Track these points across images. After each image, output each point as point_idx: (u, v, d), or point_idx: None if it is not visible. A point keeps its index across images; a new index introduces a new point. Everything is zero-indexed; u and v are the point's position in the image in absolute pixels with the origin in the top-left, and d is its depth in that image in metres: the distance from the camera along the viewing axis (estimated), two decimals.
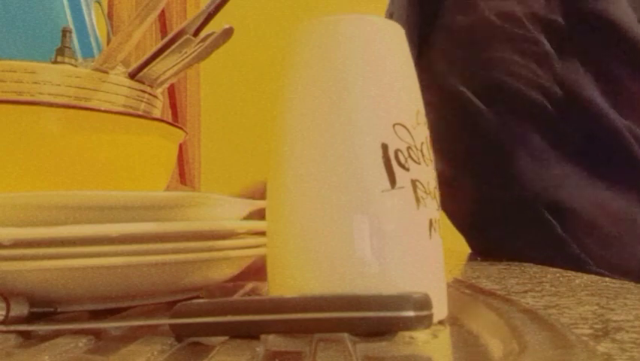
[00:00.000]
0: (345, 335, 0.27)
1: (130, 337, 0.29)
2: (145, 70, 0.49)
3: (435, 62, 0.76)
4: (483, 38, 0.72)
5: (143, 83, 0.51)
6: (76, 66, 0.49)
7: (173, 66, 0.50)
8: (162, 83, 0.53)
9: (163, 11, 1.43)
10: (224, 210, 0.40)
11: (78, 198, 0.34)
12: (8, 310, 0.31)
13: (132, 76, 0.50)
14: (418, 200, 0.30)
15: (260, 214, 0.38)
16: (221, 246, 0.37)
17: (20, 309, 0.31)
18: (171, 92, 1.60)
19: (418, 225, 0.30)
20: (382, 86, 0.31)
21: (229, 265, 0.40)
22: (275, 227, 0.31)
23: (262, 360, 0.25)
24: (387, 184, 0.29)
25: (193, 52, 0.49)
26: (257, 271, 0.47)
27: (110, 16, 1.21)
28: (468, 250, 0.90)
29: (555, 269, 0.52)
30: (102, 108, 0.47)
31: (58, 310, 0.35)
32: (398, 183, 0.29)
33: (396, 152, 0.29)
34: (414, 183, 0.30)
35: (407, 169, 0.30)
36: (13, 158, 0.44)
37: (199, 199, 0.38)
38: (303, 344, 0.27)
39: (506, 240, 0.84)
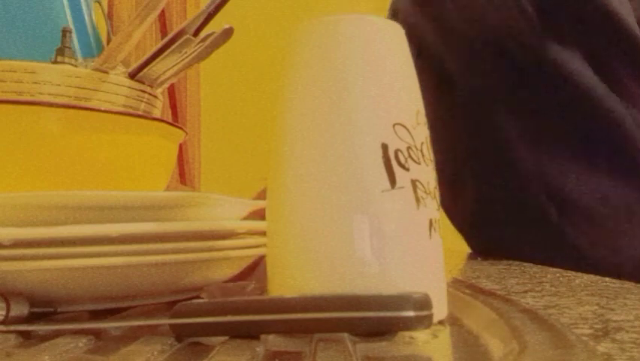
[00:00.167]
0: (345, 335, 0.27)
1: (130, 337, 0.29)
2: (145, 70, 0.49)
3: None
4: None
5: (143, 83, 0.51)
6: (76, 66, 0.49)
7: (173, 66, 0.50)
8: (162, 83, 0.53)
9: (163, 11, 1.43)
10: (224, 210, 0.40)
11: (78, 198, 0.34)
12: (8, 310, 0.31)
13: (132, 76, 0.50)
14: (418, 200, 0.30)
15: (260, 214, 0.38)
16: (221, 246, 0.37)
17: (20, 309, 0.31)
18: (171, 92, 1.60)
19: (418, 225, 0.30)
20: (382, 86, 0.31)
21: (229, 265, 0.40)
22: (275, 227, 0.31)
23: (262, 360, 0.25)
24: (387, 184, 0.29)
25: (193, 52, 0.49)
26: (257, 271, 0.47)
27: (110, 16, 1.21)
28: (468, 250, 0.90)
29: (555, 269, 0.52)
30: (102, 108, 0.47)
31: (58, 310, 0.35)
32: (398, 183, 0.29)
33: (396, 152, 0.29)
34: (414, 183, 0.30)
35: (407, 169, 0.30)
36: (13, 158, 0.44)
37: (199, 199, 0.38)
38: (303, 344, 0.27)
39: (506, 240, 0.84)
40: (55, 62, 0.49)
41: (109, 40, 0.70)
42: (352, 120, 0.30)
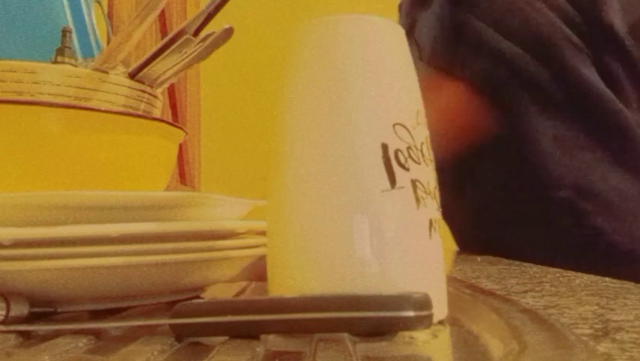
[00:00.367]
0: (345, 335, 0.27)
1: (130, 337, 0.29)
2: (145, 70, 0.49)
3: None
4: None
5: (143, 83, 0.51)
6: (76, 66, 0.49)
7: (173, 66, 0.50)
8: (162, 83, 0.53)
9: (163, 11, 1.43)
10: (224, 210, 0.40)
11: (78, 198, 0.34)
12: (8, 310, 0.31)
13: (132, 76, 0.50)
14: (418, 200, 0.30)
15: None
16: (221, 246, 0.37)
17: (20, 309, 0.31)
18: (171, 92, 1.60)
19: (418, 225, 0.30)
20: (382, 86, 0.31)
21: (229, 265, 0.40)
22: (275, 227, 0.31)
23: (262, 360, 0.25)
24: (387, 184, 0.29)
25: (193, 52, 0.49)
26: (257, 271, 0.47)
27: (110, 16, 1.21)
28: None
29: (555, 269, 0.52)
30: (102, 108, 0.47)
31: (58, 310, 0.35)
32: (398, 183, 0.29)
33: (396, 152, 0.29)
34: (414, 183, 0.30)
35: (407, 169, 0.30)
36: (13, 158, 0.44)
37: (199, 199, 0.38)
38: (303, 344, 0.27)
39: (506, 240, 0.85)
40: (55, 62, 0.49)
41: (109, 40, 0.70)
42: (352, 120, 0.30)
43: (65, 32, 0.51)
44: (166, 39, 0.47)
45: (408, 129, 0.30)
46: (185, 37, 0.47)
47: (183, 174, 1.60)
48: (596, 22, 0.78)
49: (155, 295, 0.38)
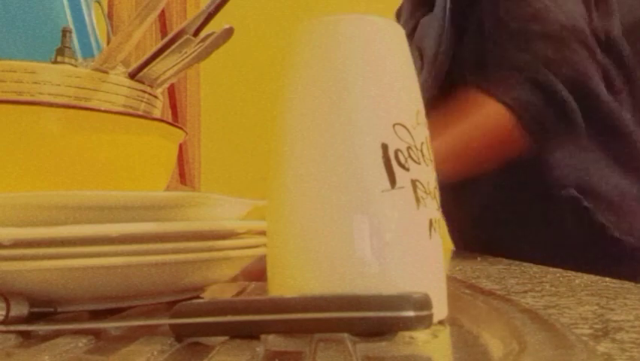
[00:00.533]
0: (345, 335, 0.27)
1: (130, 337, 0.29)
2: (145, 70, 0.49)
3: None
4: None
5: (143, 83, 0.51)
6: (76, 66, 0.49)
7: (173, 66, 0.50)
8: (162, 83, 0.53)
9: (163, 11, 1.43)
10: (224, 210, 0.40)
11: (78, 198, 0.34)
12: (8, 310, 0.31)
13: (132, 76, 0.50)
14: (418, 200, 0.30)
15: None
16: (221, 246, 0.37)
17: (20, 309, 0.31)
18: (171, 92, 1.60)
19: (418, 225, 0.30)
20: (382, 86, 0.31)
21: (229, 265, 0.40)
22: (275, 227, 0.31)
23: (262, 360, 0.25)
24: (387, 184, 0.29)
25: (193, 52, 0.49)
26: (257, 271, 0.47)
27: (110, 16, 1.21)
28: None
29: (555, 269, 0.52)
30: (102, 108, 0.47)
31: (58, 310, 0.35)
32: (398, 183, 0.29)
33: (396, 152, 0.29)
34: (414, 183, 0.30)
35: (407, 169, 0.30)
36: (13, 158, 0.44)
37: (199, 199, 0.38)
38: (303, 344, 0.27)
39: (506, 240, 0.85)
40: (55, 62, 0.49)
41: (109, 40, 0.70)
42: (352, 120, 0.30)
43: (65, 32, 0.51)
44: (166, 39, 0.47)
45: (408, 129, 0.30)
46: (185, 37, 0.47)
47: (183, 174, 1.60)
48: (604, 35, 0.82)
49: (155, 295, 0.38)
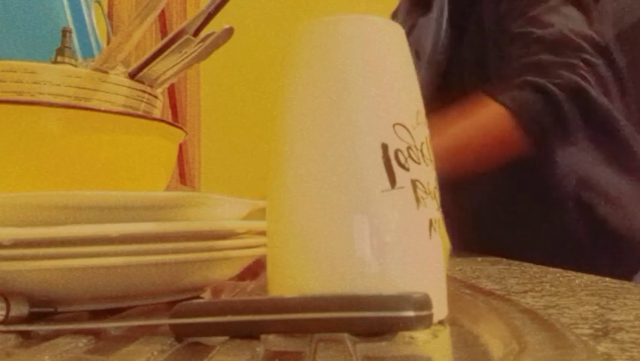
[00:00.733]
0: (345, 335, 0.27)
1: (130, 337, 0.29)
2: (145, 70, 0.49)
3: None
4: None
5: (143, 83, 0.51)
6: (76, 66, 0.49)
7: (173, 66, 0.50)
8: (162, 83, 0.53)
9: (163, 11, 1.43)
10: (224, 210, 0.40)
11: (78, 198, 0.34)
12: (8, 310, 0.31)
13: (132, 76, 0.50)
14: (418, 200, 0.30)
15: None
16: (221, 246, 0.37)
17: (20, 309, 0.31)
18: (171, 92, 1.60)
19: (418, 225, 0.30)
20: (382, 86, 0.31)
21: (229, 265, 0.40)
22: (275, 227, 0.31)
23: (262, 360, 0.25)
24: (387, 184, 0.29)
25: (193, 52, 0.49)
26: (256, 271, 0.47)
27: (110, 16, 1.21)
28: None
29: (555, 269, 0.52)
30: (102, 108, 0.47)
31: (58, 310, 0.35)
32: (398, 183, 0.29)
33: (396, 152, 0.29)
34: (414, 183, 0.30)
35: (407, 169, 0.30)
36: (13, 158, 0.44)
37: (199, 199, 0.38)
38: (303, 344, 0.27)
39: (506, 240, 0.85)
40: (55, 62, 0.49)
41: (109, 40, 0.70)
42: (352, 120, 0.30)
43: (65, 32, 0.51)
44: (166, 39, 0.47)
45: (408, 129, 0.30)
46: (185, 37, 0.47)
47: (183, 174, 1.60)
48: (597, 39, 0.85)
49: (155, 295, 0.38)
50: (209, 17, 0.48)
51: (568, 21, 0.83)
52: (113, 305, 0.37)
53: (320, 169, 0.29)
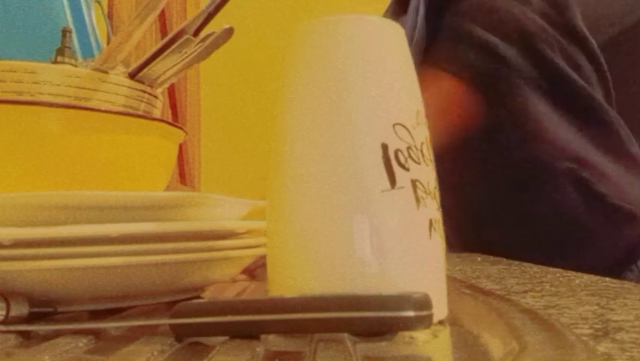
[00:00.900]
0: (345, 335, 0.27)
1: (130, 337, 0.29)
2: (145, 70, 0.49)
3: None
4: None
5: (143, 83, 0.51)
6: (76, 66, 0.49)
7: (173, 66, 0.50)
8: (162, 83, 0.53)
9: (163, 11, 1.43)
10: (224, 210, 0.40)
11: (78, 198, 0.34)
12: (8, 310, 0.31)
13: (132, 76, 0.50)
14: (418, 200, 0.30)
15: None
16: (221, 246, 0.37)
17: (20, 309, 0.31)
18: (171, 92, 1.60)
19: (418, 225, 0.30)
20: (382, 86, 0.31)
21: (229, 265, 0.40)
22: (275, 227, 0.31)
23: (262, 360, 0.25)
24: (387, 184, 0.29)
25: (193, 52, 0.49)
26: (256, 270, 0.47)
27: (110, 16, 1.21)
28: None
29: (555, 269, 0.52)
30: (102, 108, 0.47)
31: (58, 310, 0.35)
32: (398, 183, 0.29)
33: (396, 152, 0.29)
34: (414, 183, 0.30)
35: (407, 169, 0.30)
36: (13, 158, 0.44)
37: (199, 199, 0.38)
38: (303, 344, 0.27)
39: (506, 240, 0.85)
40: (55, 62, 0.49)
41: (109, 40, 0.70)
42: (352, 120, 0.30)
43: (65, 32, 0.51)
44: (166, 39, 0.47)
45: (408, 129, 0.30)
46: (185, 37, 0.47)
47: (183, 174, 1.60)
48: (565, 24, 0.90)
49: (155, 295, 0.38)
50: (209, 17, 0.48)
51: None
52: (113, 305, 0.37)
53: (320, 169, 0.29)
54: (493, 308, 0.30)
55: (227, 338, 0.28)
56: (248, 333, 0.27)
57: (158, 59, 0.48)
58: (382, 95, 0.30)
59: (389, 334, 0.27)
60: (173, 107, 1.62)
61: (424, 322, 0.25)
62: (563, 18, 0.90)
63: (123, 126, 0.47)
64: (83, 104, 0.47)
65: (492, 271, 0.52)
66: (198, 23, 0.47)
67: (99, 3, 0.73)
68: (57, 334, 0.29)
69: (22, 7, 0.64)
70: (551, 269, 0.53)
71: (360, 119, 0.30)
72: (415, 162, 0.30)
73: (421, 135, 0.31)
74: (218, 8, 0.47)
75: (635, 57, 1.07)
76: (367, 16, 0.31)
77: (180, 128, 0.52)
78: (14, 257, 0.32)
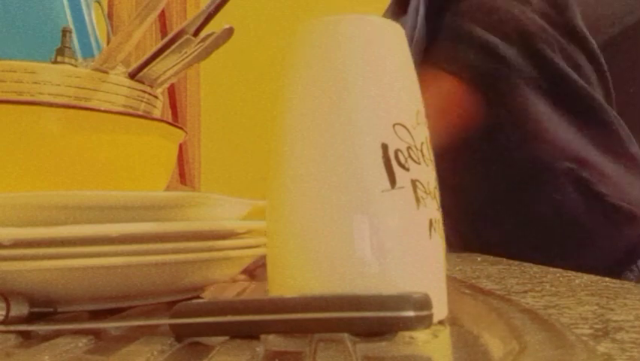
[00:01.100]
0: (345, 335, 0.27)
1: (130, 337, 0.29)
2: (145, 70, 0.49)
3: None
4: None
5: (143, 83, 0.51)
6: (76, 66, 0.49)
7: (173, 66, 0.50)
8: (162, 83, 0.53)
9: (163, 11, 1.43)
10: (224, 210, 0.40)
11: (78, 198, 0.34)
12: (8, 310, 0.31)
13: (132, 76, 0.50)
14: (418, 200, 0.30)
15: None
16: (221, 246, 0.37)
17: (20, 309, 0.31)
18: (171, 92, 1.60)
19: (418, 225, 0.30)
20: (382, 86, 0.31)
21: (229, 265, 0.40)
22: (275, 227, 0.31)
23: (262, 360, 0.25)
24: (387, 184, 0.29)
25: (193, 52, 0.49)
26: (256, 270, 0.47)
27: (110, 16, 1.21)
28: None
29: (555, 269, 0.52)
30: (102, 108, 0.47)
31: (58, 310, 0.35)
32: (398, 183, 0.29)
33: (396, 152, 0.29)
34: (414, 183, 0.30)
35: (407, 169, 0.30)
36: (13, 158, 0.44)
37: (199, 199, 0.38)
38: (303, 344, 0.27)
39: (506, 240, 0.85)
40: (55, 62, 0.49)
41: (109, 40, 0.70)
42: (352, 120, 0.30)
43: (65, 32, 0.51)
44: (166, 39, 0.47)
45: (408, 129, 0.30)
46: (185, 37, 0.47)
47: (183, 174, 1.60)
48: (565, 24, 0.90)
49: (155, 295, 0.38)
50: (209, 17, 0.48)
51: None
52: (113, 305, 0.37)
53: (320, 169, 0.29)
54: (493, 308, 0.30)
55: (227, 338, 0.28)
56: (248, 333, 0.27)
57: (158, 59, 0.48)
58: (382, 95, 0.30)
59: (389, 334, 0.27)
60: (173, 107, 1.62)
61: (424, 322, 0.25)
62: (563, 18, 0.90)
63: (123, 126, 0.47)
64: (83, 104, 0.47)
65: (492, 271, 0.52)
66: (198, 23, 0.47)
67: (99, 3, 0.73)
68: (57, 334, 0.29)
69: (22, 7, 0.64)
70: (551, 269, 0.53)
71: (360, 119, 0.30)
72: (415, 162, 0.30)
73: (421, 135, 0.31)
74: (218, 8, 0.47)
75: (635, 57, 1.07)
76: (367, 16, 0.31)
77: (180, 128, 0.52)
78: (14, 257, 0.32)
